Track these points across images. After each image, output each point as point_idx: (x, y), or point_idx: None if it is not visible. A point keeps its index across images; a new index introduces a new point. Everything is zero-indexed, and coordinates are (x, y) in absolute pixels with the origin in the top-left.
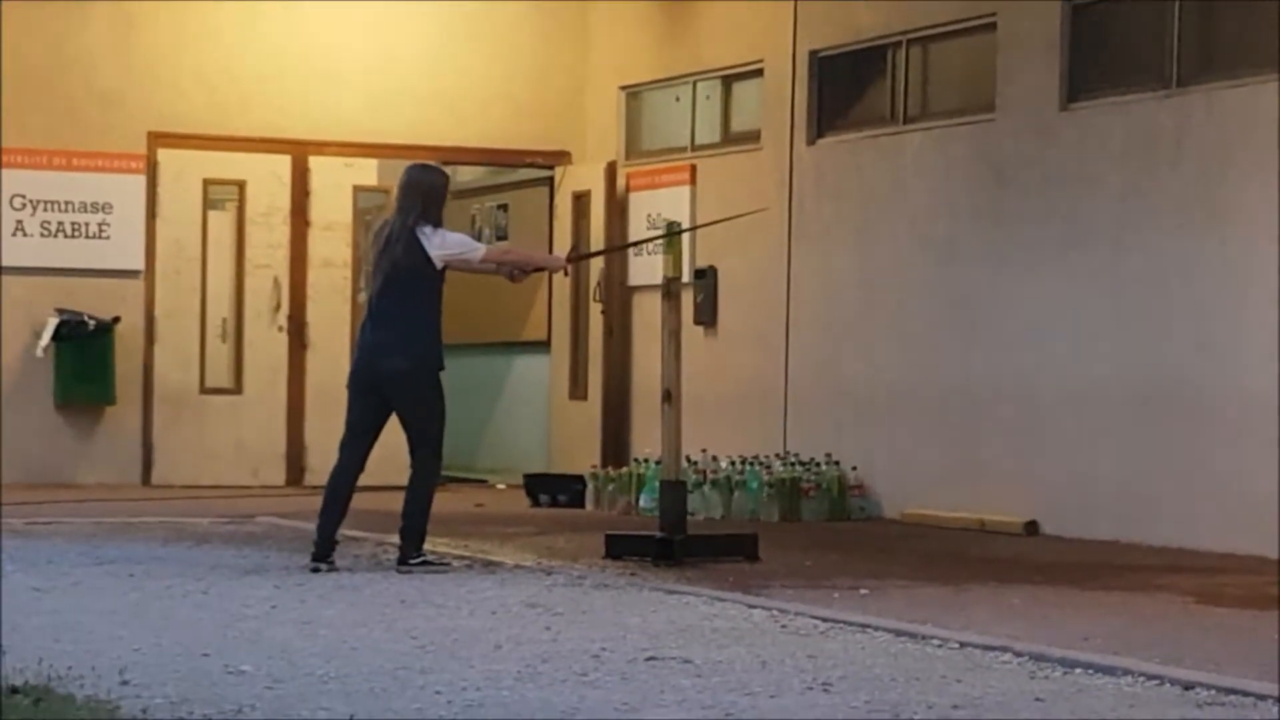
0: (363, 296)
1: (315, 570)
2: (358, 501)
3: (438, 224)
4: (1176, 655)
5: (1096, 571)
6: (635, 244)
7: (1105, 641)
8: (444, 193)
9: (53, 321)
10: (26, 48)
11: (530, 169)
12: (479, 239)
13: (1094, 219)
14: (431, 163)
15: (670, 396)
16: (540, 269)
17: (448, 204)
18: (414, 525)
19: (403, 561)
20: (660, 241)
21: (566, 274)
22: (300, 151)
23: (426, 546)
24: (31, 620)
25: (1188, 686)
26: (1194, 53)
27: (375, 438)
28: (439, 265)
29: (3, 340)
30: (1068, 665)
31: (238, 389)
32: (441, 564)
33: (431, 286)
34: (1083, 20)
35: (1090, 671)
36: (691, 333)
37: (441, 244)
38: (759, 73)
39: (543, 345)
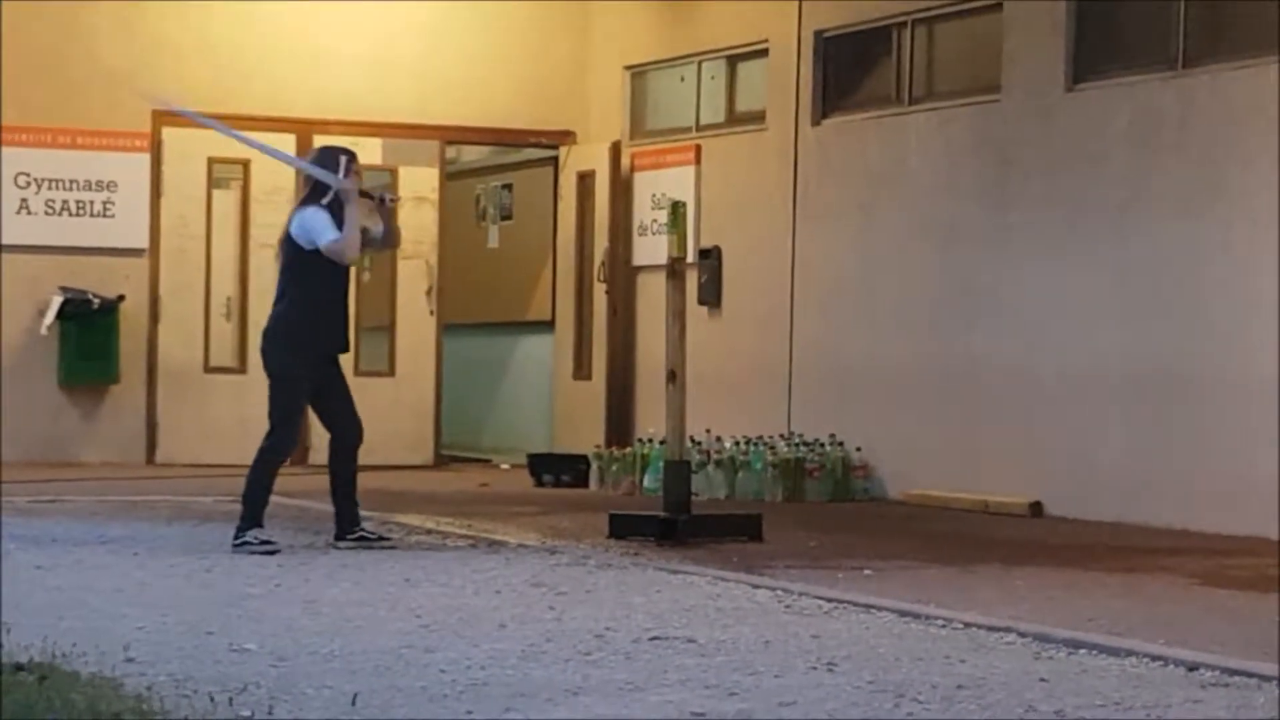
0: (366, 276)
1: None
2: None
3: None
4: (1181, 636)
5: (1100, 553)
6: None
7: (1109, 622)
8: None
9: (57, 300)
10: (32, 26)
11: (535, 149)
12: (483, 219)
13: (1098, 200)
14: (330, 144)
15: (674, 376)
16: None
17: (453, 183)
18: (247, 497)
19: (236, 536)
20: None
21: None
22: (304, 130)
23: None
24: (36, 598)
25: (1192, 667)
26: (1199, 34)
27: (328, 419)
28: (306, 246)
29: (1, 318)
30: (1072, 646)
31: (242, 368)
32: (264, 545)
33: (295, 262)
34: (1088, 1)
35: (1094, 652)
36: (696, 313)
37: (302, 220)
38: (764, 53)
39: (547, 325)
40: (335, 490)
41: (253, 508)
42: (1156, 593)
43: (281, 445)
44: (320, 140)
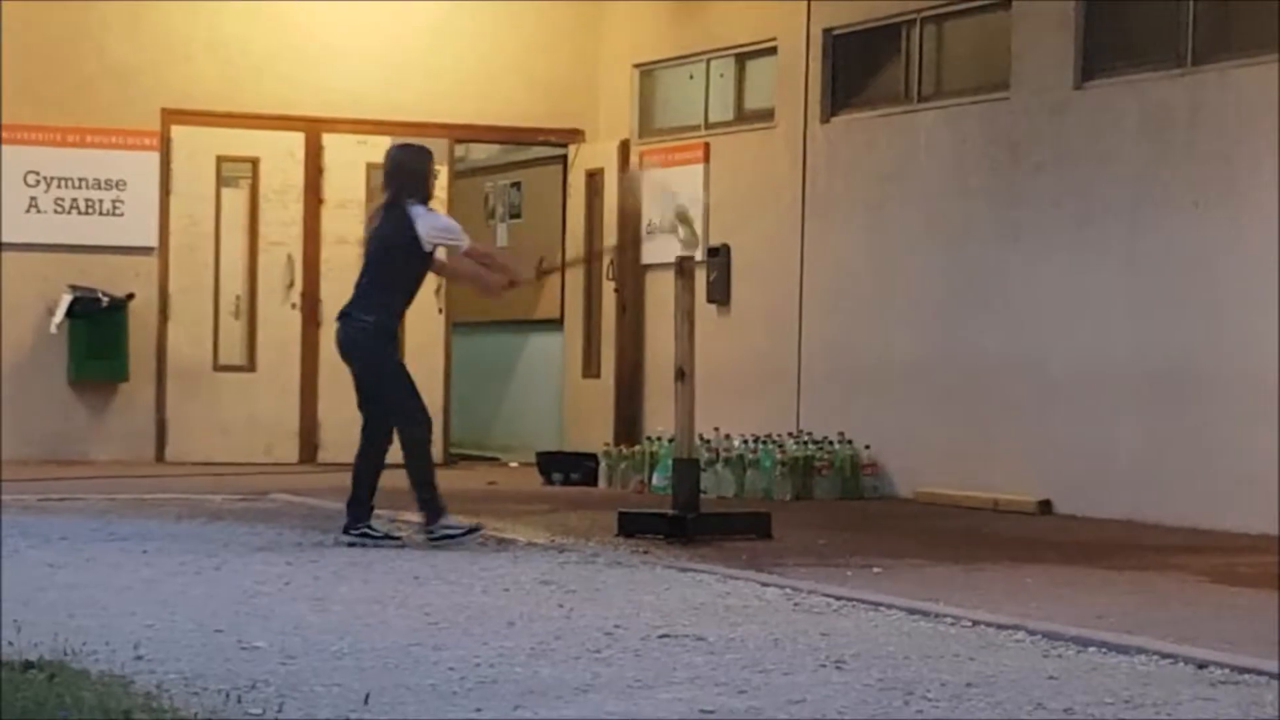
0: None
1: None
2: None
3: (425, 202)
4: (1190, 634)
5: (1110, 550)
6: (601, 255)
7: (1119, 620)
8: (427, 171)
9: (66, 298)
10: (41, 23)
11: (543, 147)
12: (492, 217)
13: (1108, 197)
14: (413, 141)
15: (683, 375)
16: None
17: (461, 182)
18: (422, 493)
19: (426, 532)
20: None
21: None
22: (313, 128)
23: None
24: (46, 596)
25: (1201, 665)
26: (1208, 31)
27: (377, 415)
28: (427, 246)
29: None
30: (1081, 644)
31: (251, 366)
32: (469, 531)
33: (414, 264)
34: None
35: (1104, 650)
36: (705, 311)
37: (433, 224)
38: (773, 50)
39: (556, 323)
40: (361, 481)
41: (433, 497)
42: (1166, 590)
43: (423, 426)
44: (329, 138)
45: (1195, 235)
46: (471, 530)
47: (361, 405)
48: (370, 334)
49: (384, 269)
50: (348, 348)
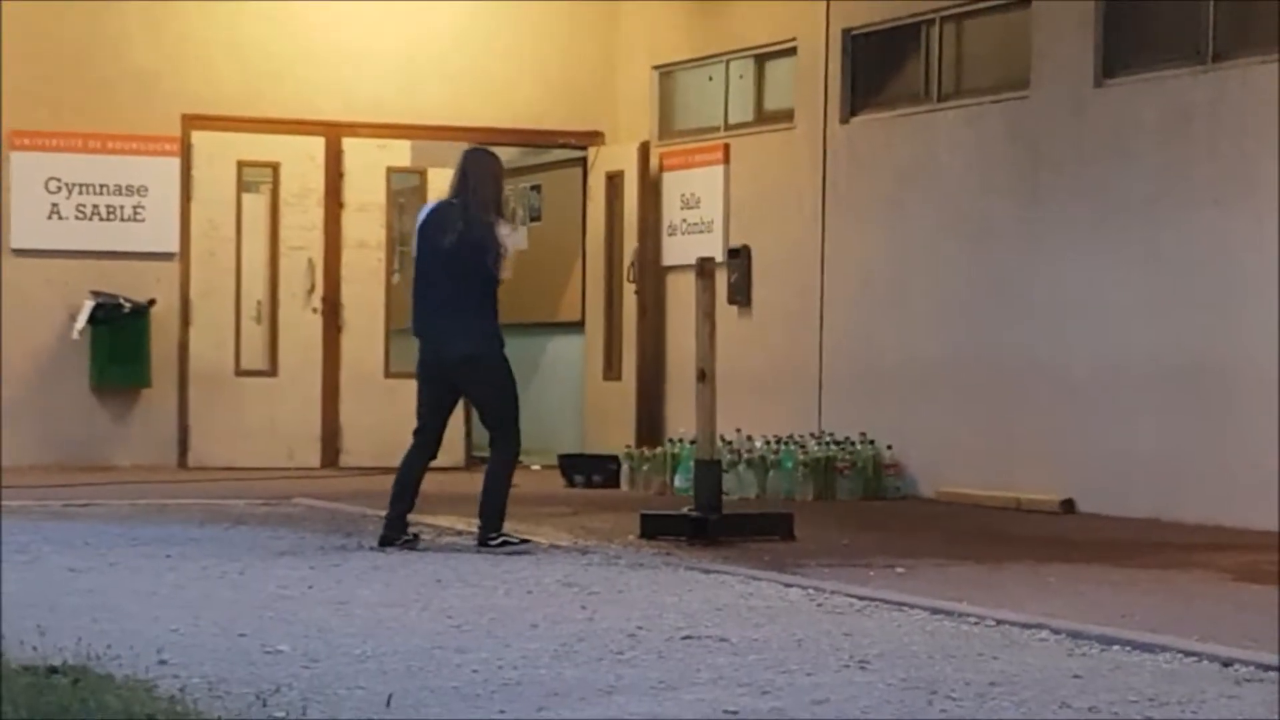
0: (396, 278)
1: (383, 549)
2: (387, 483)
3: (500, 210)
4: (1215, 632)
5: (1133, 549)
6: None
7: (1143, 618)
8: (502, 178)
9: (89, 304)
10: (60, 28)
11: (563, 149)
12: (512, 220)
13: (1129, 196)
14: (485, 148)
15: (705, 376)
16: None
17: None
18: (492, 504)
19: (482, 541)
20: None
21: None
22: (334, 133)
23: (508, 526)
24: (69, 600)
25: (1226, 663)
26: (1229, 28)
27: (444, 423)
28: (507, 254)
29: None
30: (1105, 642)
31: (273, 371)
32: (522, 544)
33: (494, 275)
34: None
35: (1128, 648)
36: (725, 312)
37: (509, 235)
38: (792, 51)
39: (577, 325)
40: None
41: (501, 513)
42: (1190, 588)
43: (518, 451)
44: (349, 143)
45: (1216, 233)
46: (524, 542)
47: (434, 413)
48: (499, 345)
49: (479, 275)
50: (470, 355)
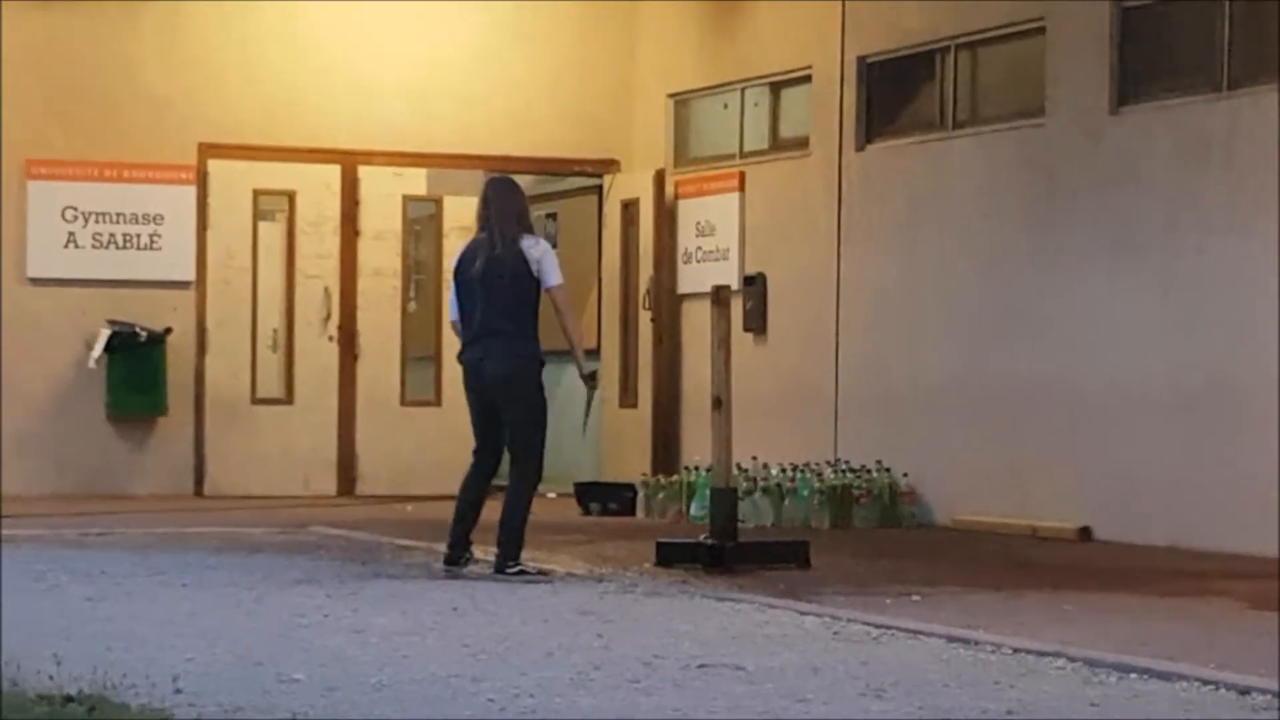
0: (412, 306)
1: (448, 571)
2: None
3: (531, 233)
4: (1232, 660)
5: (1150, 577)
6: None
7: (1160, 646)
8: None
9: (105, 333)
10: (75, 57)
11: (579, 177)
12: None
13: (1144, 222)
14: (504, 175)
15: (720, 404)
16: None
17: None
18: (509, 532)
19: (499, 569)
20: None
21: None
22: (349, 161)
23: (525, 555)
24: (86, 629)
25: (1244, 691)
26: (1244, 55)
27: (499, 442)
28: (551, 279)
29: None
30: (1122, 670)
31: (289, 399)
32: (539, 574)
33: (532, 294)
34: (1132, 23)
35: (1145, 677)
36: (741, 339)
37: (542, 255)
38: (807, 79)
39: (592, 353)
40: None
41: (520, 538)
42: (1208, 617)
43: (539, 476)
44: (365, 171)
45: (1231, 259)
46: (541, 573)
47: (483, 433)
48: (536, 366)
49: (513, 294)
50: (506, 375)
